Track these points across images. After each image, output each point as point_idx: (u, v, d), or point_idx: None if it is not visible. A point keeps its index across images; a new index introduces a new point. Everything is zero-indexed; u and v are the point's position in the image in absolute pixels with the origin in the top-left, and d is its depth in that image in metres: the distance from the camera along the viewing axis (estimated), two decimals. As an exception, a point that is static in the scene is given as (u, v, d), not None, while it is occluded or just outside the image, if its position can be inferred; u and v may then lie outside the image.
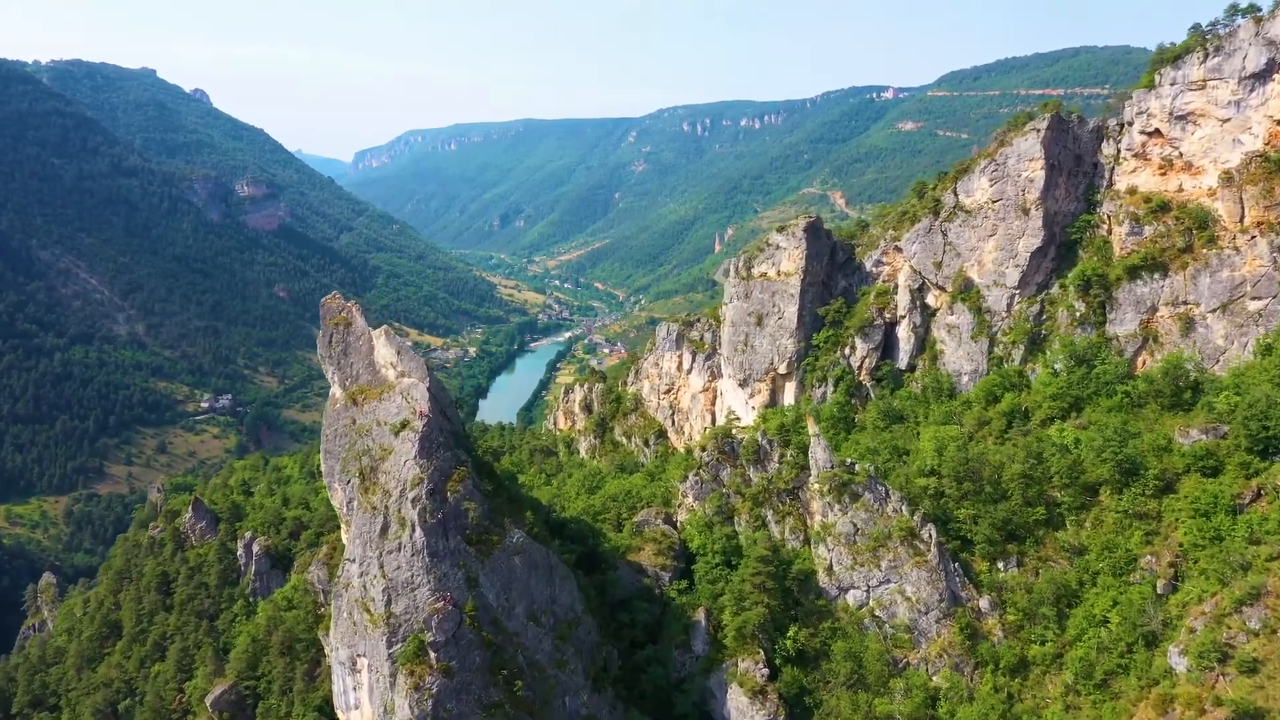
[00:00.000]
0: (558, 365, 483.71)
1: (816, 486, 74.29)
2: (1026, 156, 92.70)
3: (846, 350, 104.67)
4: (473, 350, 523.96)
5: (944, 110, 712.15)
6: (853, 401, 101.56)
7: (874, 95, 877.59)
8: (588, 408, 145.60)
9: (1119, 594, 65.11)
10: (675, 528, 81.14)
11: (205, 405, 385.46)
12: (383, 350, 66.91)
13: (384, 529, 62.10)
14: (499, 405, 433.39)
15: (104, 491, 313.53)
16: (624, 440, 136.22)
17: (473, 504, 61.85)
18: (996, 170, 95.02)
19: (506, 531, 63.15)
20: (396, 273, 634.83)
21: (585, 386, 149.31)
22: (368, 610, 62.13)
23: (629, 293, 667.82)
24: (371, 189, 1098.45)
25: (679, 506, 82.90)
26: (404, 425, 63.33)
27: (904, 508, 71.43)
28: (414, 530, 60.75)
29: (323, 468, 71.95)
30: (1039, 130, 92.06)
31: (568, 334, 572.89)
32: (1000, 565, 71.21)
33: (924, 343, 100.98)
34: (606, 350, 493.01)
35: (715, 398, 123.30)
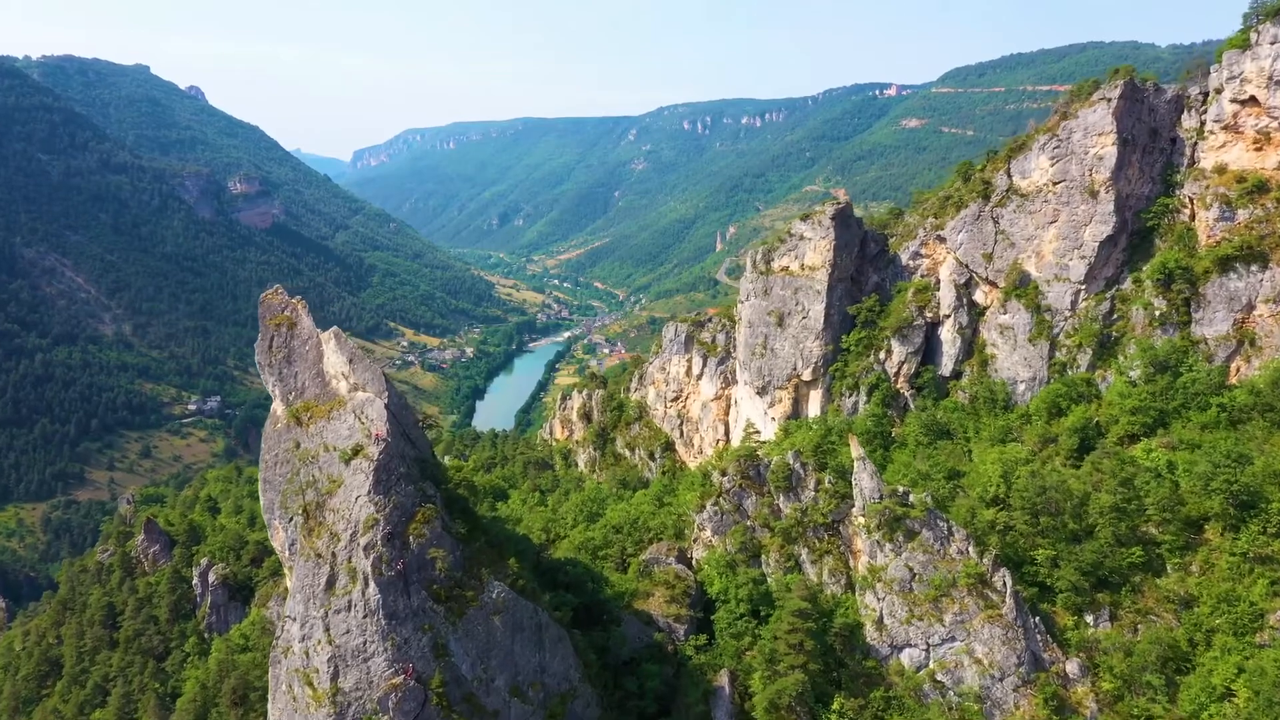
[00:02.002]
0: (557, 366, 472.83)
1: (862, 521, 61.61)
2: (1095, 130, 80.00)
3: (881, 354, 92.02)
4: (470, 350, 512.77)
5: (949, 107, 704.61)
6: (889, 413, 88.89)
7: (877, 92, 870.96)
8: (587, 416, 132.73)
9: (1244, 658, 52.47)
10: (690, 567, 68.42)
11: (193, 407, 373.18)
12: (332, 358, 54.33)
13: (330, 582, 49.47)
14: (497, 407, 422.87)
15: (83, 498, 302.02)
16: (627, 453, 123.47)
17: (441, 551, 49.20)
18: (1059, 147, 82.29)
19: (484, 585, 50.50)
20: (393, 271, 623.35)
21: (584, 393, 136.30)
22: (310, 684, 49.51)
23: (629, 292, 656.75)
24: (370, 188, 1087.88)
25: (694, 541, 70.09)
26: (356, 452, 50.69)
27: (970, 548, 58.80)
28: (367, 584, 48.15)
29: (261, 501, 59.41)
30: (1109, 100, 79.32)
31: (567, 334, 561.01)
32: (1089, 619, 58.57)
33: (971, 346, 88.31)
34: (606, 350, 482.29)
35: (729, 407, 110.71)
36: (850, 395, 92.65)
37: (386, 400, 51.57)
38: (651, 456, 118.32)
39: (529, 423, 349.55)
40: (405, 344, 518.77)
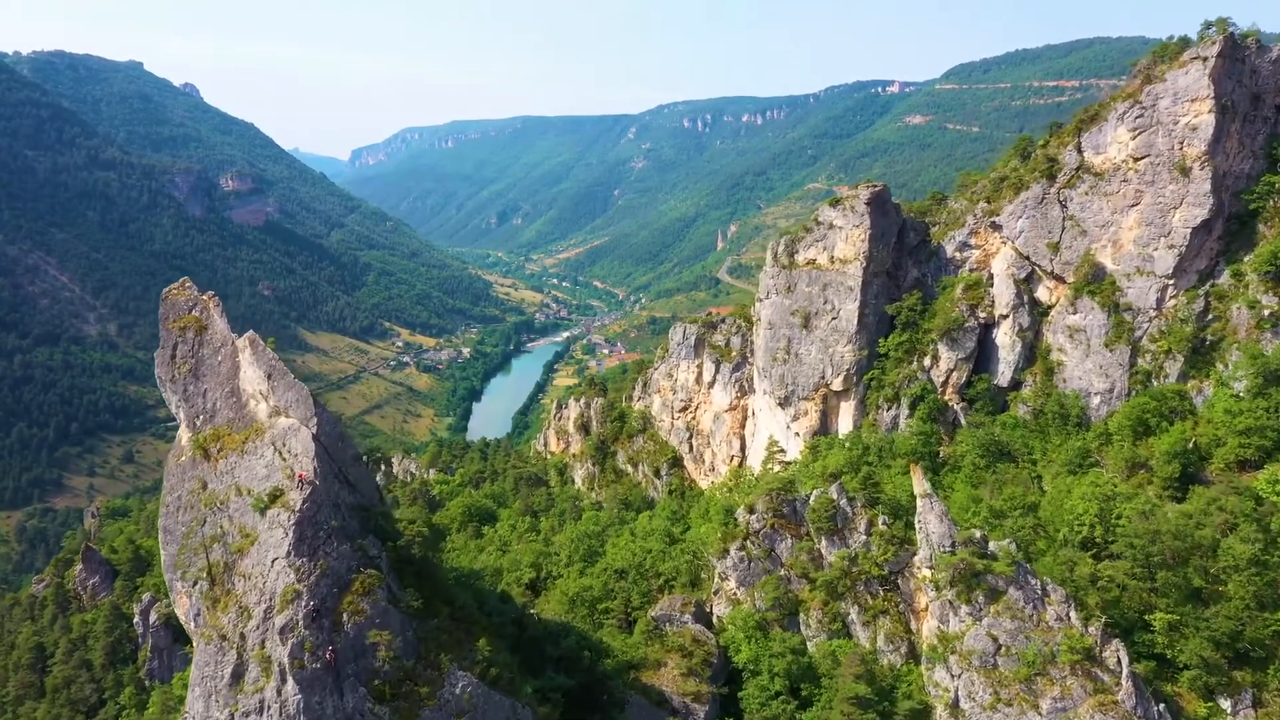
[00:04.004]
0: (555, 367, 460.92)
1: (929, 574, 49.03)
2: (1186, 95, 67.37)
3: (926, 361, 79.40)
4: (467, 351, 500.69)
5: (953, 104, 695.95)
6: (936, 429, 76.24)
7: (879, 89, 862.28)
8: (584, 428, 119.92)
9: None
10: (710, 626, 55.75)
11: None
12: (248, 371, 41.79)
13: (237, 674, 36.87)
14: (494, 409, 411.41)
15: (61, 506, 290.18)
16: (629, 468, 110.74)
17: (385, 634, 36.56)
18: (1142, 116, 69.59)
19: (445, 675, 37.85)
20: (388, 270, 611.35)
21: (581, 401, 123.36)
22: (211, 810, 36.89)
23: (629, 291, 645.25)
24: (368, 186, 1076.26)
25: (715, 594, 57.35)
26: (274, 498, 38.10)
27: (1072, 613, 46.13)
28: (284, 679, 35.54)
29: (162, 557, 46.83)
30: (1205, 59, 66.69)
31: (566, 334, 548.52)
32: (1226, 705, 45.93)
33: (1034, 351, 75.67)
34: (606, 351, 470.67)
35: (745, 419, 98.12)
36: (889, 408, 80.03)
37: (316, 429, 38.93)
38: (657, 473, 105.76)
39: (526, 425, 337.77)
40: (401, 344, 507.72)
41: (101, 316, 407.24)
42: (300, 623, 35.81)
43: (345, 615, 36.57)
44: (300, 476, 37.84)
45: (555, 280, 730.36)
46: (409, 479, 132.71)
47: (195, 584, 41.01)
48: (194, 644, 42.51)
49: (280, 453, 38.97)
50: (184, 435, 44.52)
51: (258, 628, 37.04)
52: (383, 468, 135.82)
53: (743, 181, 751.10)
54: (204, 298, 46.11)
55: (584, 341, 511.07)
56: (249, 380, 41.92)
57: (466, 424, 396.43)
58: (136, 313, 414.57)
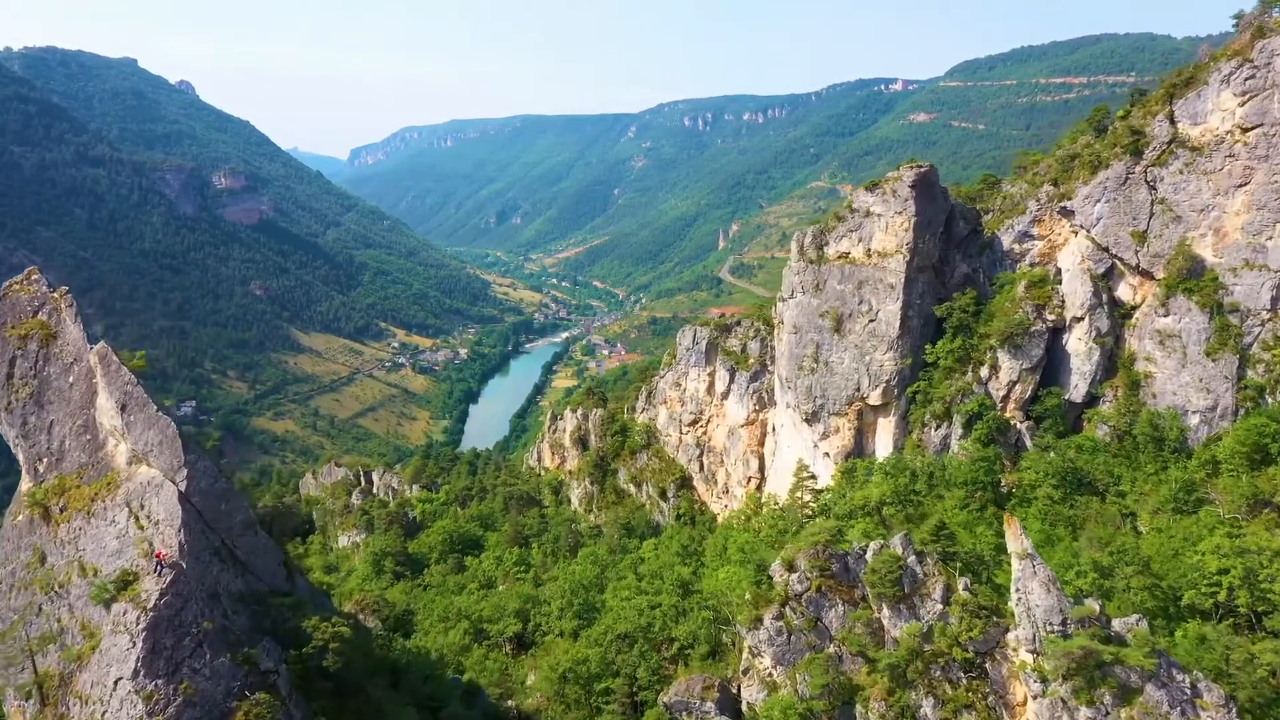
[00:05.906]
0: (554, 367, 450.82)
1: (1033, 663, 37.12)
2: (1311, 52, 55.63)
3: (983, 371, 67.50)
4: (464, 351, 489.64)
5: (958, 101, 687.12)
6: (997, 452, 64.35)
7: (882, 87, 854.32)
8: (582, 441, 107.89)
9: None
10: (739, 718, 43.81)
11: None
12: (102, 399, 30.04)
13: None
14: (491, 411, 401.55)
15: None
16: (631, 488, 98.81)
17: (278, 793, 24.69)
18: (1253, 77, 57.74)
19: (370, 845, 26.05)
20: (385, 270, 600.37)
21: (579, 412, 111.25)
22: None
23: (629, 291, 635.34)
24: (367, 186, 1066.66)
25: (745, 672, 45.31)
26: (123, 585, 26.19)
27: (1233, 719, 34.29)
28: None
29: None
30: (1334, 7, 54.98)
31: (565, 334, 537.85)
32: None
33: (1114, 360, 63.84)
34: (606, 351, 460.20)
35: (764, 435, 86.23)
36: (938, 426, 68.15)
37: (185, 484, 27.00)
38: (663, 495, 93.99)
39: (524, 428, 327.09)
40: (396, 345, 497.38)
41: (88, 317, 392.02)
42: (150, 778, 23.98)
43: (220, 764, 24.71)
44: (159, 556, 25.94)
45: (554, 280, 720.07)
46: (389, 497, 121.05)
47: (29, 696, 29.13)
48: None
49: (137, 517, 27.09)
50: (23, 484, 32.74)
51: (94, 779, 25.22)
52: (361, 483, 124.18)
53: (744, 180, 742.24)
54: (54, 295, 34.22)
55: (583, 342, 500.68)
56: (106, 411, 30.11)
57: (463, 427, 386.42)
58: (124, 313, 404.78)
